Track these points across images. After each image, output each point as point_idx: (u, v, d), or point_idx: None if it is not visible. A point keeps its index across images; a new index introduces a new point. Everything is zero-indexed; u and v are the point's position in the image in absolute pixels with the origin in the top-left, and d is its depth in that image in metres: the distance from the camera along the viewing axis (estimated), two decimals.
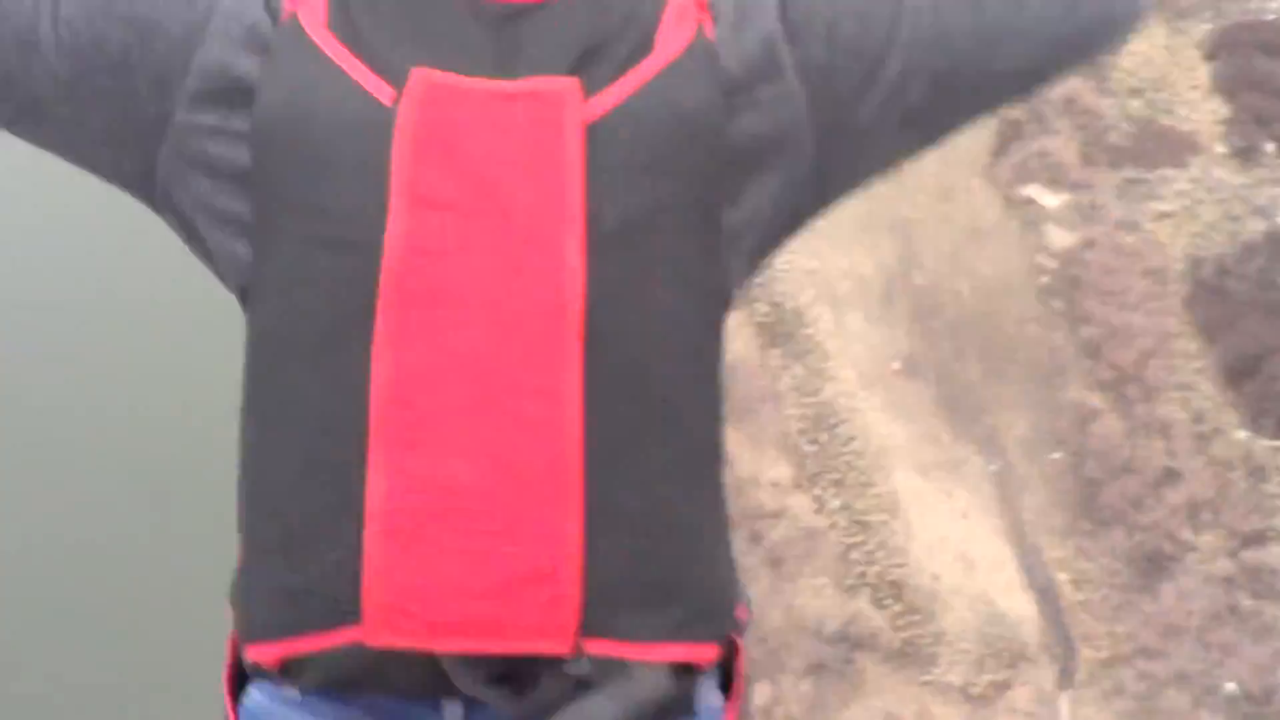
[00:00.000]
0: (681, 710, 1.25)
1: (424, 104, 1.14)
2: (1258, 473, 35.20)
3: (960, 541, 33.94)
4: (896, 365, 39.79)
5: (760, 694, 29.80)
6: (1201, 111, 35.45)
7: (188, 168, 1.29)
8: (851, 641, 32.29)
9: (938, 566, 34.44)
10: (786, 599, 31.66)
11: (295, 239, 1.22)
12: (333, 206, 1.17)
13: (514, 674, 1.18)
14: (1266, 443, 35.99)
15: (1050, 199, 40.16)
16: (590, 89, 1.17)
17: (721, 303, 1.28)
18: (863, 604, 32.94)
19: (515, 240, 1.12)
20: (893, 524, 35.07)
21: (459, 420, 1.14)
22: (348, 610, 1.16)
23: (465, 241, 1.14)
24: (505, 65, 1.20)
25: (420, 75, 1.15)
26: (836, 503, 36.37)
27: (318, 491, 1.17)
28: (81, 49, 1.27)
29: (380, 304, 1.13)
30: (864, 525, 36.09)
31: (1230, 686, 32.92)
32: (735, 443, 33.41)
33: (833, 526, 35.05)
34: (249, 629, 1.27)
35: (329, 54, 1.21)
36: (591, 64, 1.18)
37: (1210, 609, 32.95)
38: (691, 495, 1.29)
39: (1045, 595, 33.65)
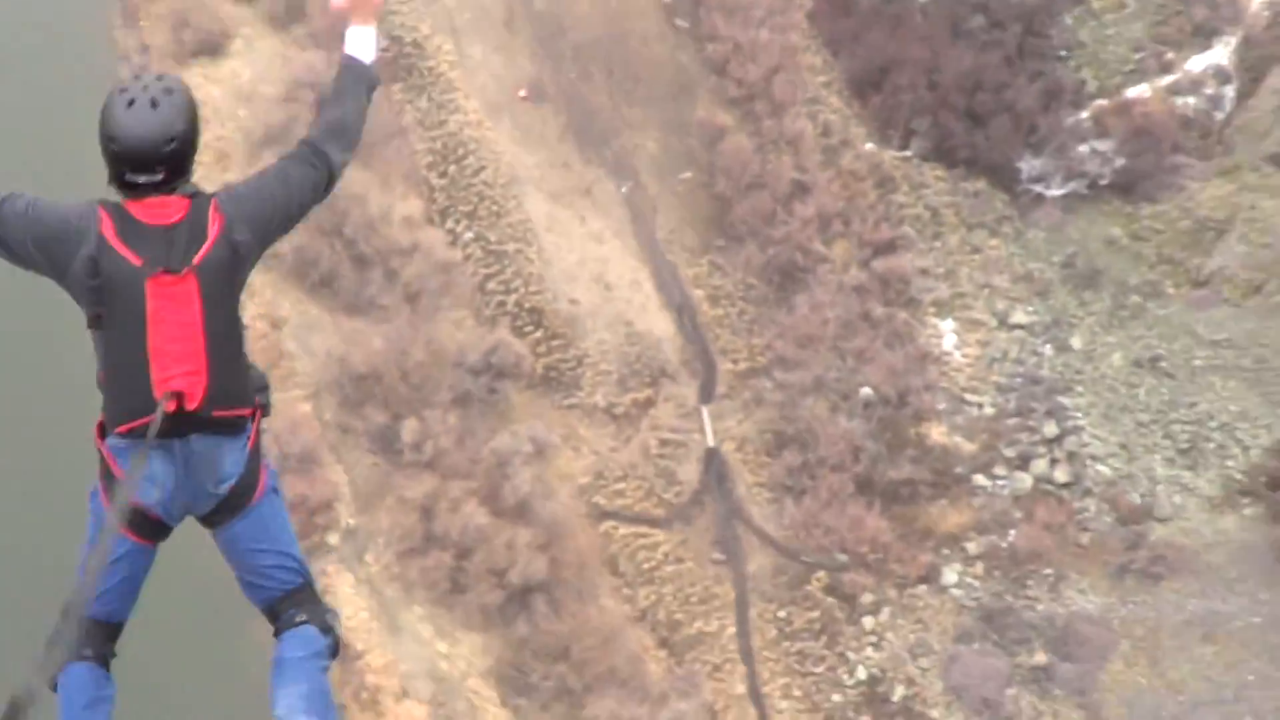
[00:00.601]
0: (240, 431, 6.52)
1: (151, 270, 6.22)
2: (887, 184, 47.66)
3: (596, 265, 44.58)
4: (522, 92, 49.93)
5: (410, 430, 39.24)
6: None
7: (75, 285, 6.38)
8: (495, 371, 42.48)
9: (576, 291, 45.04)
10: (427, 333, 41.04)
11: (116, 312, 6.34)
12: (128, 302, 6.28)
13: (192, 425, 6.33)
14: (894, 154, 48.58)
15: None
16: (190, 256, 6.25)
17: (241, 293, 6.42)
18: (503, 333, 43.11)
19: (181, 305, 6.15)
20: (528, 252, 45.46)
21: (175, 355, 6.26)
22: (149, 411, 6.20)
23: (168, 306, 6.22)
24: (174, 249, 6.34)
25: (146, 261, 6.17)
26: (470, 234, 46.55)
27: (136, 383, 6.22)
28: (9, 240, 6.37)
29: (148, 327, 6.20)
30: (499, 255, 46.44)
31: (866, 391, 45.62)
32: (364, 182, 42.44)
33: (468, 258, 45.09)
34: (112, 423, 6.47)
35: (120, 250, 6.32)
36: (192, 245, 6.21)
37: (844, 318, 44.96)
38: (239, 356, 6.61)
39: (682, 313, 44.98)
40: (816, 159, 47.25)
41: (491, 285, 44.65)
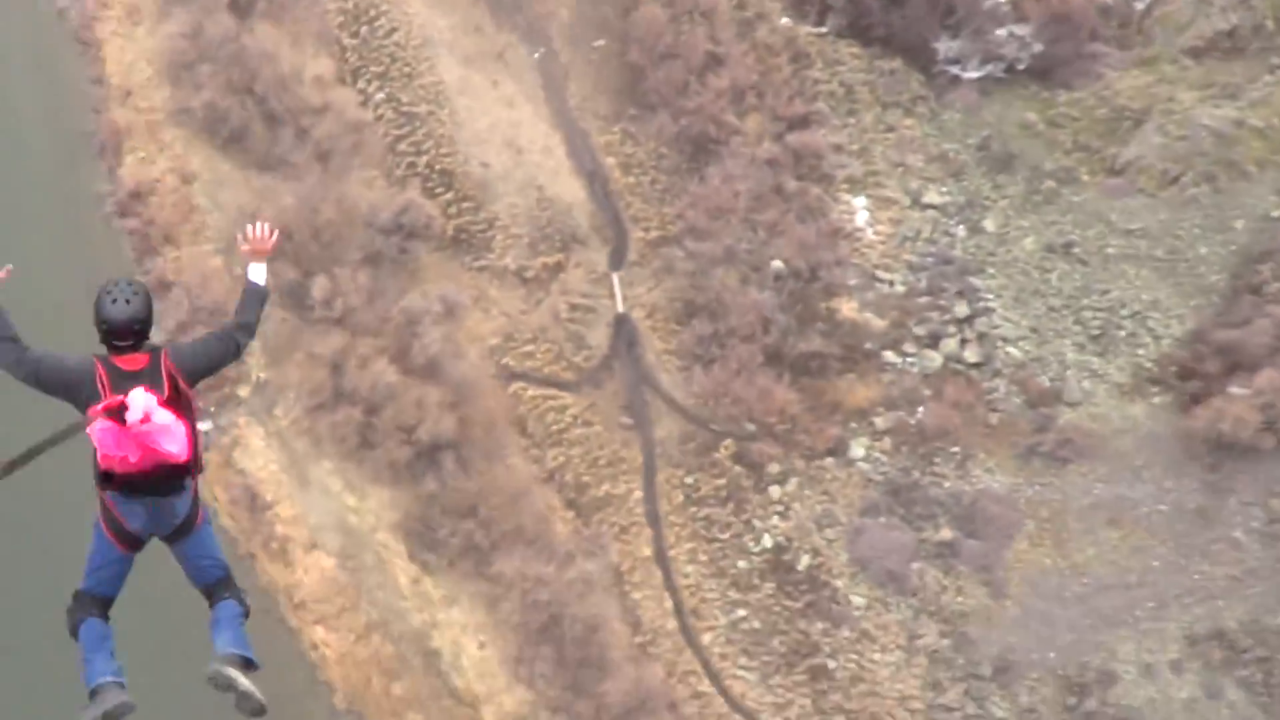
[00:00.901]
0: (189, 477, 10.79)
1: (126, 398, 9.88)
2: (801, 59, 51.12)
3: (508, 129, 47.92)
4: None
5: (320, 288, 42.72)
6: None
7: (81, 409, 10.01)
8: (406, 231, 46.10)
9: (487, 154, 48.52)
10: (337, 192, 44.49)
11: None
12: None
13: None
14: (809, 30, 52.00)
15: None
16: (159, 377, 10.16)
17: (191, 402, 10.60)
18: (414, 194, 46.67)
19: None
20: (440, 114, 48.86)
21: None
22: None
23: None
24: (141, 381, 10.09)
25: (129, 395, 10.01)
26: (381, 95, 49.93)
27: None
28: (42, 382, 10.40)
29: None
30: (411, 117, 49.83)
31: (777, 264, 49.41)
32: (275, 40, 46.02)
33: (379, 119, 48.50)
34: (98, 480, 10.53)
35: (109, 387, 10.00)
36: (156, 374, 10.17)
37: (756, 190, 48.61)
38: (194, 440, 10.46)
39: (594, 180, 48.56)
40: (731, 31, 49.23)
41: (403, 146, 46.92)
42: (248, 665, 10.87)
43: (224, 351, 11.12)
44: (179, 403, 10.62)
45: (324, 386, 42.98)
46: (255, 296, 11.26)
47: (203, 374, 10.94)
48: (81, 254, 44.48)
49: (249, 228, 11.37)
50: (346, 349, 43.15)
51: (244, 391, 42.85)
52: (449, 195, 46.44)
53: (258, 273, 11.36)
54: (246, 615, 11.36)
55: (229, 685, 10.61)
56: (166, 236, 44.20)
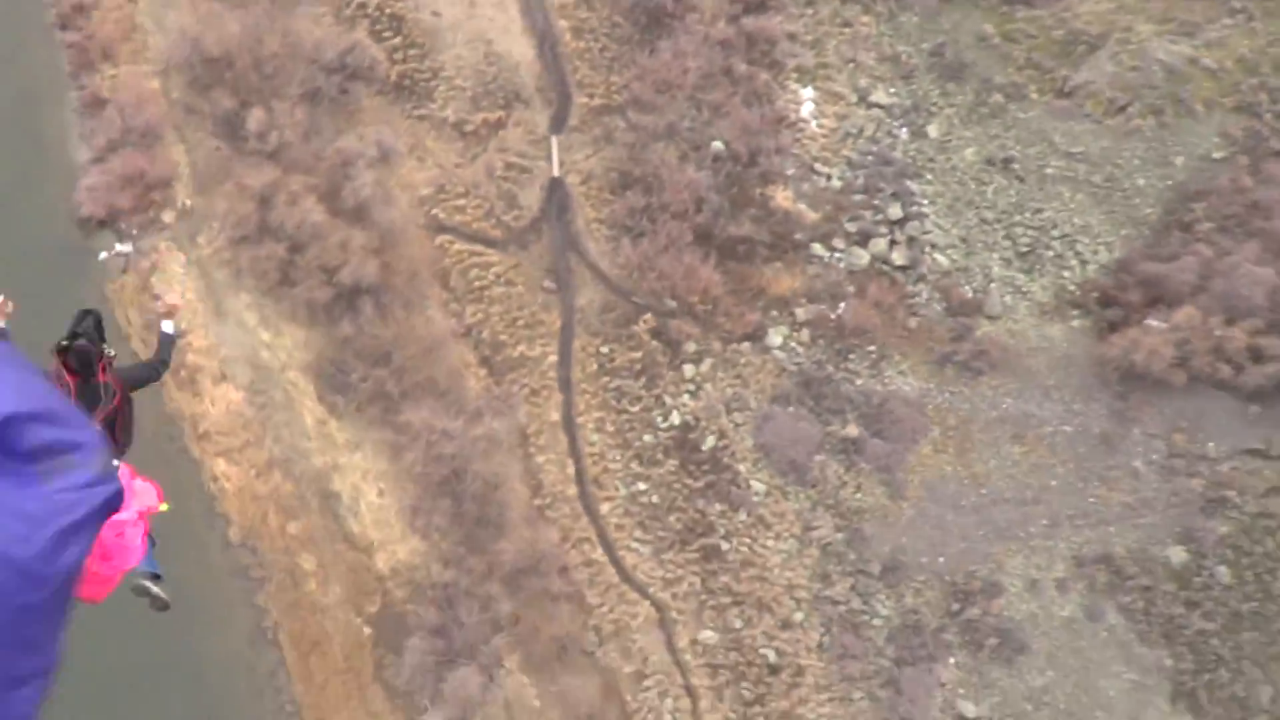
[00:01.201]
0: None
1: None
2: None
3: None
4: None
5: (256, 119, 42.28)
6: None
7: None
8: (349, 71, 45.59)
9: (439, 4, 47.93)
10: (284, 25, 43.89)
11: None
12: None
13: None
14: None
15: None
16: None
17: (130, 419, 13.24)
18: (361, 35, 46.11)
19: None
20: None
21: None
22: None
23: None
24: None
25: None
26: None
27: None
28: None
29: None
30: None
31: (717, 145, 49.20)
32: None
33: None
34: None
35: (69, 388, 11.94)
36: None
37: (705, 70, 48.25)
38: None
39: (544, 40, 48.00)
40: None
41: None
42: (156, 578, 13.67)
43: (148, 375, 13.64)
44: (117, 414, 12.75)
45: (250, 219, 42.62)
46: (169, 341, 13.94)
47: (131, 387, 13.15)
48: (17, 63, 43.87)
49: (164, 298, 14.29)
50: (277, 184, 42.83)
51: (168, 216, 42.57)
52: (396, 40, 46.09)
53: (169, 326, 14.08)
54: (155, 544, 13.43)
55: (145, 592, 13.53)
56: (105, 53, 43.62)
